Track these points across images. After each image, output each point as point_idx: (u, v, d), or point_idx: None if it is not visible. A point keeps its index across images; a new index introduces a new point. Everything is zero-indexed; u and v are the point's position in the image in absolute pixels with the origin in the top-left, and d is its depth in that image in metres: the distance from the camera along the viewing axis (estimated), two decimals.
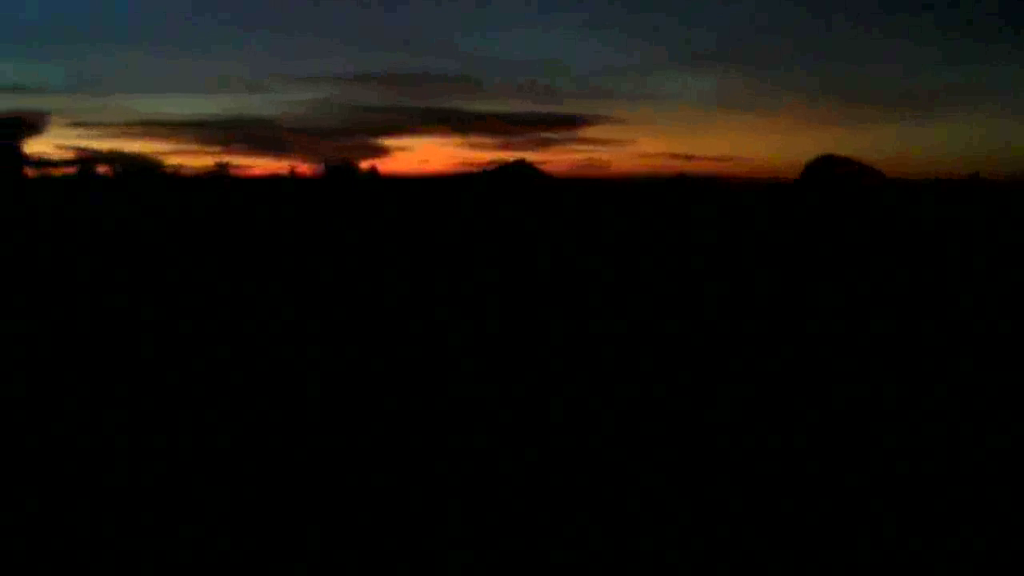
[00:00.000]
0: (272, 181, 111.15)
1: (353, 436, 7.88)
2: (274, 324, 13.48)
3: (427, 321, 13.83)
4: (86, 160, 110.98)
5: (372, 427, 8.14)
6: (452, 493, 6.50)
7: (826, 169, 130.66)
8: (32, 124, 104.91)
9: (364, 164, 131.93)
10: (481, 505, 6.26)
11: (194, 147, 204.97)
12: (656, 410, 8.75)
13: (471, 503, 6.30)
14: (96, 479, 6.75)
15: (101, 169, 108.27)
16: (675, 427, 8.14)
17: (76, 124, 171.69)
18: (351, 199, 72.78)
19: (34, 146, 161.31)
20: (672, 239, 31.60)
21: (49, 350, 11.40)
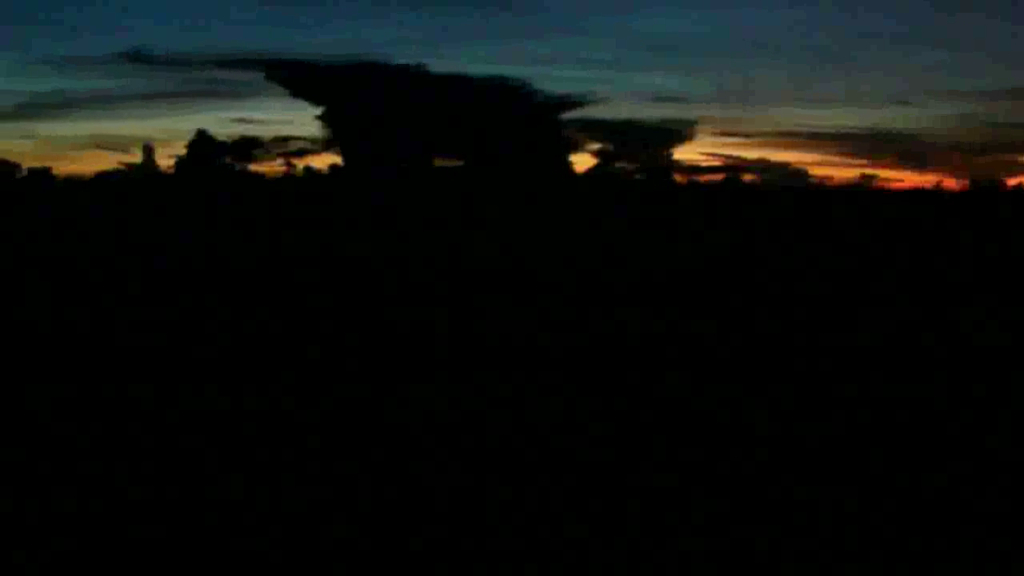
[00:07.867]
0: (916, 195, 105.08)
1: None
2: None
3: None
4: (733, 168, 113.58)
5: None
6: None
7: None
8: (681, 133, 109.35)
9: (1011, 181, 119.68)
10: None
11: (839, 159, 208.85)
12: None
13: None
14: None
15: (747, 177, 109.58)
16: None
17: (723, 133, 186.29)
18: (996, 216, 65.48)
19: (683, 153, 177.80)
20: None
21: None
